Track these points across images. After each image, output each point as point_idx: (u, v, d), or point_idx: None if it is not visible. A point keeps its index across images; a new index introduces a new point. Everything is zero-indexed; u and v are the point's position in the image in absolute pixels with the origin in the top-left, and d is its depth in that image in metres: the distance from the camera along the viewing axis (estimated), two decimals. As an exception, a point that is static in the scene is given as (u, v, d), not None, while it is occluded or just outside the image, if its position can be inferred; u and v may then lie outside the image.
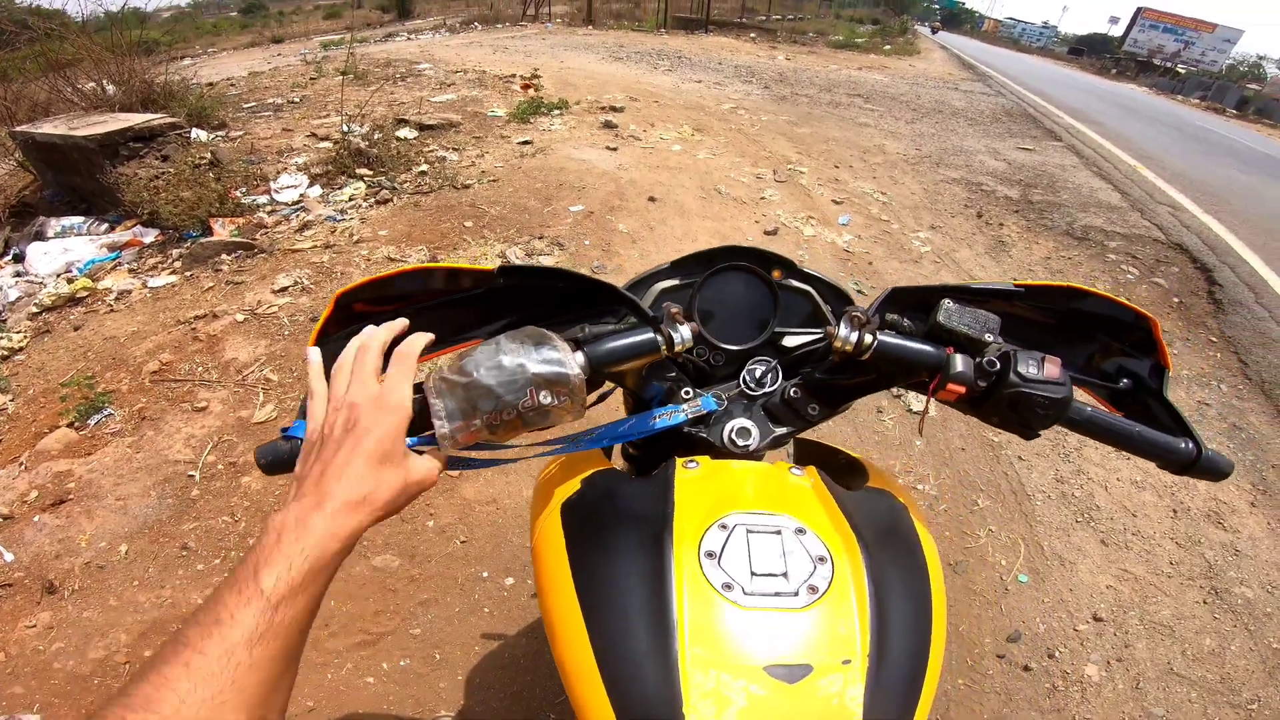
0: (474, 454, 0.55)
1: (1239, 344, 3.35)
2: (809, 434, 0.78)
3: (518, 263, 0.56)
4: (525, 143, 5.04)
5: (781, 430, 0.69)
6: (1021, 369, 0.57)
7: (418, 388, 0.52)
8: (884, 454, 2.29)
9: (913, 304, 0.66)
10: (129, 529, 1.80)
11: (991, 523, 2.07)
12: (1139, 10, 46.49)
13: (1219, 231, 5.05)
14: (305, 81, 7.44)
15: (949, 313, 0.61)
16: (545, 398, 0.51)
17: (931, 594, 0.52)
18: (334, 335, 0.60)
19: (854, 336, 0.60)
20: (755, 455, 0.67)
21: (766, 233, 3.74)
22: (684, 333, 0.60)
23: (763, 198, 4.36)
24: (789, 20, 28.15)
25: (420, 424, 0.51)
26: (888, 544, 0.54)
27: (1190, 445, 0.59)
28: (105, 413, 2.20)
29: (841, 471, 0.74)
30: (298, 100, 6.40)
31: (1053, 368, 0.57)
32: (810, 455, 0.81)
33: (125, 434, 2.13)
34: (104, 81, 4.87)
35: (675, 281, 0.75)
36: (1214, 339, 3.40)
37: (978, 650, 1.68)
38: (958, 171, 5.79)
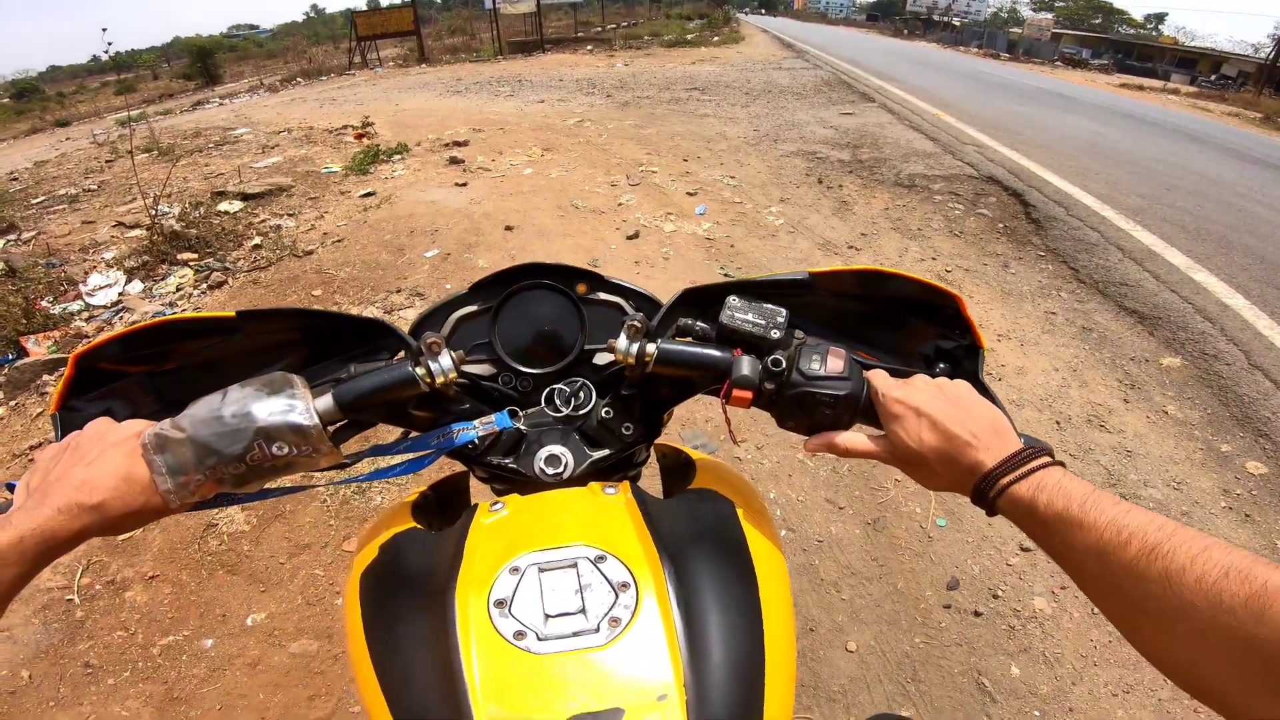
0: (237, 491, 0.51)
1: (1065, 254, 3.77)
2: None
3: (258, 307, 0.59)
4: (368, 194, 4.89)
5: (599, 453, 0.65)
6: (803, 366, 0.53)
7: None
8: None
9: (706, 303, 0.62)
10: (25, 655, 1.67)
11: (895, 473, 2.26)
12: (914, -29, 52.07)
13: (1019, 160, 5.77)
14: (101, 165, 6.80)
15: (732, 311, 0.58)
16: (280, 449, 0.48)
17: (760, 599, 0.49)
18: (79, 400, 0.56)
19: (634, 348, 0.57)
20: (577, 482, 0.63)
21: (629, 237, 3.87)
22: (443, 363, 0.55)
23: (620, 204, 4.50)
24: (624, 27, 28.99)
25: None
26: (702, 554, 0.50)
27: None
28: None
29: (680, 473, 0.70)
30: (95, 188, 5.83)
31: (836, 361, 0.53)
32: (665, 458, 0.79)
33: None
34: None
35: (474, 307, 0.69)
36: (1042, 253, 3.82)
37: (923, 604, 1.67)
38: (795, 144, 6.25)
